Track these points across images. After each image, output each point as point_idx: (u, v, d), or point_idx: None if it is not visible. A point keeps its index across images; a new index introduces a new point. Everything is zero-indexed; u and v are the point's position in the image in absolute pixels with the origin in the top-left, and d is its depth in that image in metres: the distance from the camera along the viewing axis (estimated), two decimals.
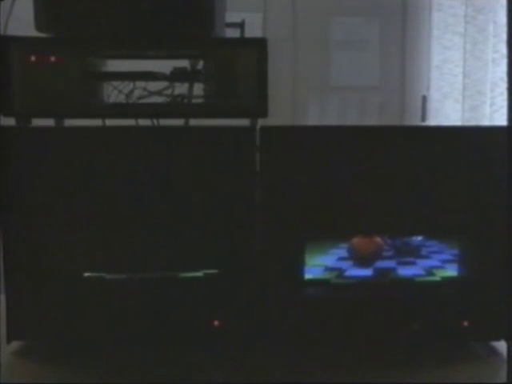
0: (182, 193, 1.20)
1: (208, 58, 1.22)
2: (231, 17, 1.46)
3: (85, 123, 1.19)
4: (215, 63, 1.22)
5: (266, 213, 1.21)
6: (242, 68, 1.21)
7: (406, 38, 3.55)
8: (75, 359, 1.22)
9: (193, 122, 1.33)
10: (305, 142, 1.21)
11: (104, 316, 1.21)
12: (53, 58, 1.19)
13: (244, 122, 1.25)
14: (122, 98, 1.30)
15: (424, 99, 3.45)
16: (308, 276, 1.22)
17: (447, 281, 1.23)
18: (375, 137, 1.23)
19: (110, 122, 1.30)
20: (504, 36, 2.82)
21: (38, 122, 1.25)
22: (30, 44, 1.19)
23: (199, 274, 1.21)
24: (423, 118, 3.45)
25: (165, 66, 1.28)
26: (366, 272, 1.23)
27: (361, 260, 1.22)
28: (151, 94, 1.31)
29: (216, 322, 1.22)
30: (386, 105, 3.54)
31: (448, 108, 3.31)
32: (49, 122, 1.33)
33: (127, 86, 1.30)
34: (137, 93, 1.31)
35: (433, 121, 3.39)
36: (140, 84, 1.29)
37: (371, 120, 3.49)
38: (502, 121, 2.90)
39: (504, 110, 2.91)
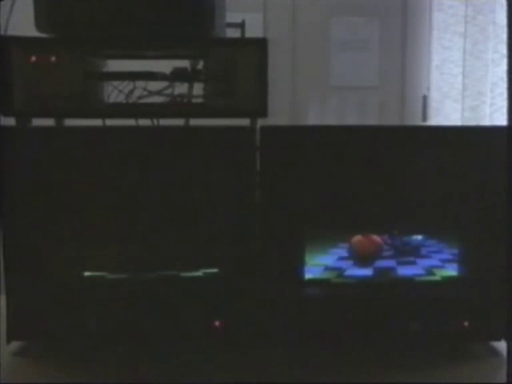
0: (181, 193, 1.20)
1: (208, 58, 1.22)
2: (231, 17, 1.46)
3: (85, 123, 1.19)
4: (215, 63, 1.22)
5: (266, 213, 1.21)
6: (242, 68, 1.21)
7: (406, 38, 3.55)
8: (75, 359, 1.22)
9: (193, 122, 1.33)
10: (305, 141, 1.21)
11: (104, 316, 1.21)
12: (53, 58, 1.19)
13: (244, 121, 1.25)
14: (122, 98, 1.30)
15: (424, 99, 3.45)
16: (308, 276, 1.22)
17: (447, 280, 1.23)
18: (375, 137, 1.23)
19: (109, 122, 1.30)
20: (504, 36, 2.82)
21: (38, 122, 1.25)
22: (30, 44, 1.19)
23: (199, 273, 1.21)
24: (423, 118, 3.46)
25: (165, 66, 1.28)
26: (366, 272, 1.23)
27: (361, 260, 1.22)
28: (151, 93, 1.31)
29: (217, 323, 1.22)
30: (386, 105, 3.55)
31: (448, 108, 3.31)
32: (49, 122, 1.33)
33: (127, 85, 1.30)
34: (137, 93, 1.30)
35: (433, 121, 3.39)
36: (140, 84, 1.29)
37: (371, 120, 3.49)
38: (502, 121, 2.90)
39: (504, 110, 2.91)
